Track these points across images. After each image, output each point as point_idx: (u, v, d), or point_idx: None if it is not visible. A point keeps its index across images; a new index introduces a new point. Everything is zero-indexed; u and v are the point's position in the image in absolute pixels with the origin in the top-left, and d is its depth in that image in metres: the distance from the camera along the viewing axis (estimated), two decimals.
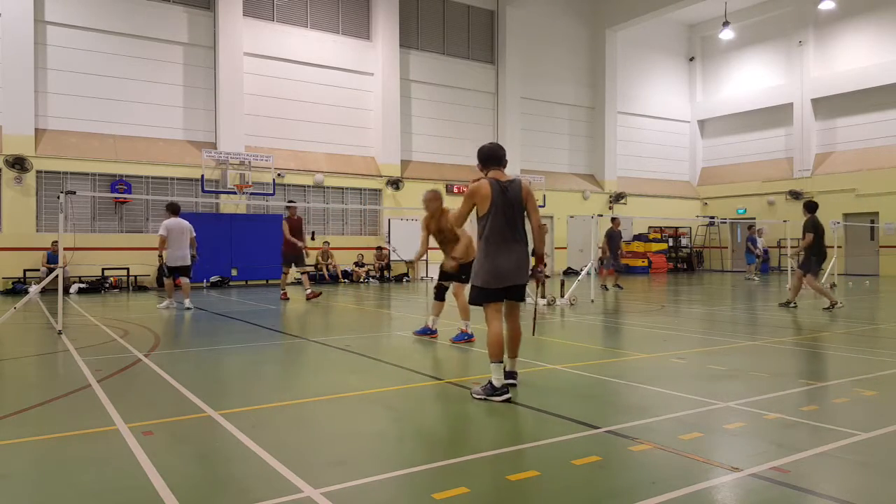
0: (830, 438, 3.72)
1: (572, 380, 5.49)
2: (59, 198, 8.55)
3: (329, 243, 19.91)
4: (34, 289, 8.70)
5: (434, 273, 22.24)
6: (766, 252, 22.84)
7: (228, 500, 2.92)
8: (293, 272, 14.25)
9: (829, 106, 25.32)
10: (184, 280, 11.99)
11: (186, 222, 11.98)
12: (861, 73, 23.95)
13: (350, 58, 21.36)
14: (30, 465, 3.43)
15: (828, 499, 2.86)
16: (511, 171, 5.40)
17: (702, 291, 16.47)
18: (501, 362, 4.75)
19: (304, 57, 20.54)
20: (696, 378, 5.55)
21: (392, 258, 20.57)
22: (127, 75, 18.08)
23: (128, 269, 17.23)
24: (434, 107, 23.25)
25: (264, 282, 18.69)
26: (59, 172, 16.92)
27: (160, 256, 11.82)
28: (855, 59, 24.28)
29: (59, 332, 8.00)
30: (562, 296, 12.16)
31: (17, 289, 15.56)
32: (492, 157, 5.04)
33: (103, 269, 16.85)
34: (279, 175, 19.50)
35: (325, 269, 19.69)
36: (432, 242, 7.74)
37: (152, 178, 18.09)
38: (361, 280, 20.03)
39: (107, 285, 16.65)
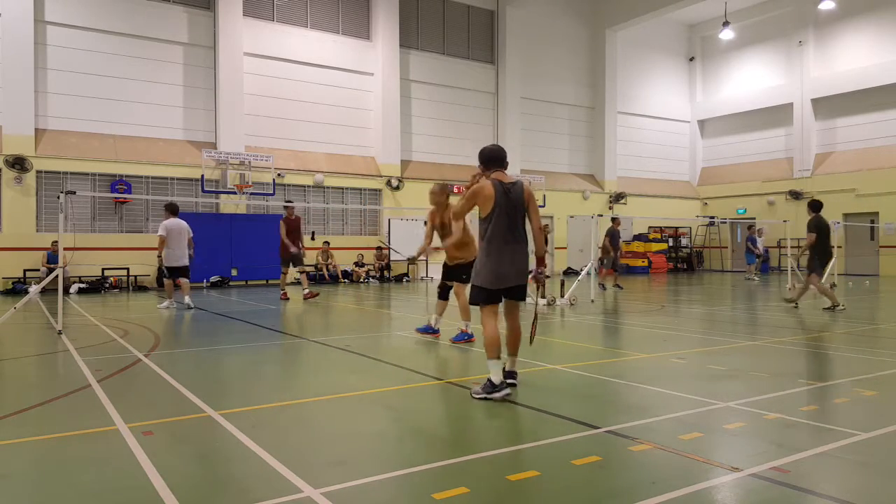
0: (830, 438, 3.72)
1: (572, 380, 5.49)
2: (59, 198, 8.55)
3: (329, 243, 19.91)
4: (34, 289, 8.70)
5: (434, 273, 22.28)
6: (766, 252, 22.85)
7: (228, 500, 2.92)
8: (293, 272, 14.26)
9: (829, 106, 25.32)
10: (183, 280, 12.01)
11: (185, 223, 12.00)
12: (861, 73, 23.95)
13: (350, 58, 21.36)
14: (30, 465, 3.43)
15: (828, 499, 2.86)
16: (511, 171, 5.40)
17: (702, 291, 16.47)
18: (499, 359, 4.79)
19: (304, 57, 20.54)
20: (696, 378, 5.55)
21: (393, 258, 20.58)
22: (127, 75, 18.08)
23: (128, 269, 17.23)
24: (434, 107, 23.25)
25: (264, 282, 18.69)
26: (59, 172, 16.92)
27: (159, 257, 11.82)
28: (855, 59, 24.28)
29: (59, 332, 8.00)
30: (562, 296, 12.16)
31: (17, 289, 15.56)
32: (494, 158, 5.07)
33: (103, 269, 16.85)
34: (279, 175, 19.51)
35: (325, 269, 19.69)
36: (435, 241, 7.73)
37: (152, 178, 18.09)
38: (361, 280, 20.03)
39: (107, 285, 16.65)
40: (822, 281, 11.17)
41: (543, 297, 11.83)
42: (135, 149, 18.00)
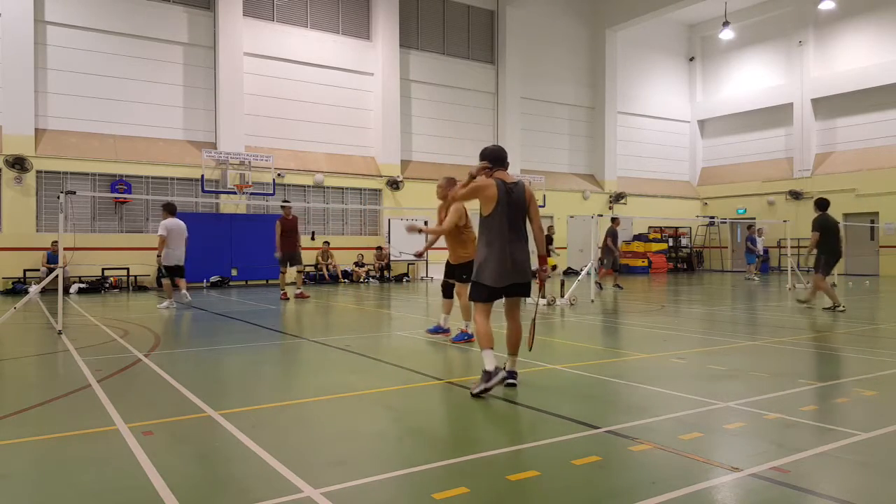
0: (830, 438, 3.72)
1: (572, 380, 5.49)
2: (59, 198, 8.55)
3: (329, 243, 19.92)
4: (34, 289, 8.70)
5: (434, 273, 22.28)
6: (765, 252, 22.85)
7: (228, 500, 2.92)
8: (291, 271, 14.25)
9: (829, 106, 25.33)
10: (180, 279, 12.04)
11: (183, 223, 12.03)
12: (861, 73, 23.95)
13: (350, 58, 21.36)
14: (30, 465, 3.43)
15: (828, 499, 2.86)
16: (511, 171, 5.43)
17: (702, 291, 16.47)
18: (492, 349, 4.91)
19: (304, 57, 20.54)
20: (696, 378, 5.55)
21: (393, 257, 20.59)
22: (127, 75, 18.08)
23: (128, 269, 17.23)
24: (434, 107, 23.25)
25: (264, 282, 18.69)
26: (59, 172, 16.92)
27: (159, 256, 11.82)
28: (855, 59, 24.29)
29: (59, 332, 8.00)
30: (562, 296, 12.16)
31: (17, 289, 15.57)
32: (496, 158, 5.13)
33: (103, 269, 16.85)
34: (279, 175, 19.51)
35: (325, 269, 19.69)
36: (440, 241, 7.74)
37: (152, 178, 18.09)
38: (361, 280, 20.03)
39: (107, 285, 16.65)
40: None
41: (543, 297, 11.84)
42: (135, 149, 18.00)
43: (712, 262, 28.93)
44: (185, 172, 18.39)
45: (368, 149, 21.79)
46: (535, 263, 5.23)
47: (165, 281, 12.05)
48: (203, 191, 18.11)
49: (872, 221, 23.01)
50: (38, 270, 15.92)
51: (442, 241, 7.68)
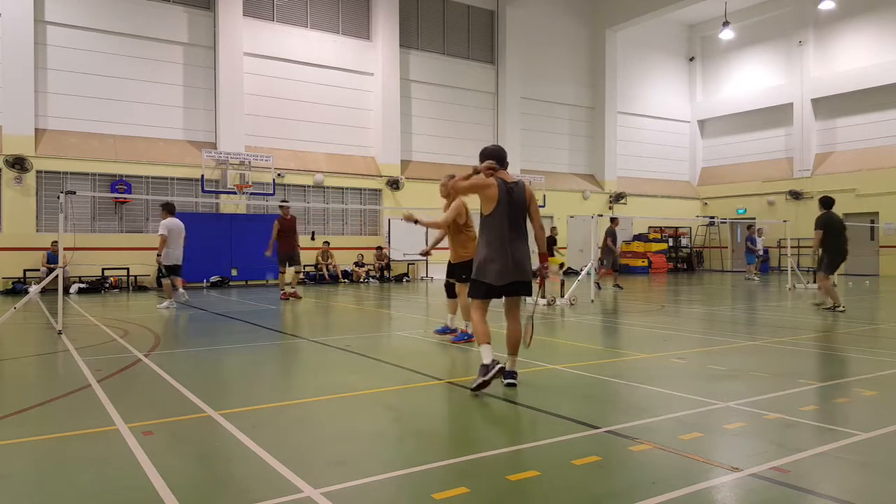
0: (830, 438, 3.72)
1: (572, 380, 5.49)
2: (59, 198, 8.55)
3: (329, 243, 19.92)
4: (34, 289, 8.70)
5: (434, 273, 22.24)
6: (765, 252, 22.85)
7: (228, 500, 2.92)
8: (290, 271, 14.25)
9: (829, 106, 25.33)
10: (177, 278, 12.07)
11: (181, 222, 12.06)
12: (861, 73, 23.95)
13: (350, 58, 21.36)
14: (30, 465, 3.43)
15: (828, 499, 2.86)
16: (511, 171, 5.46)
17: (702, 291, 16.47)
18: (489, 344, 4.97)
19: (304, 57, 20.54)
20: (696, 378, 5.55)
21: (395, 259, 20.61)
22: (127, 75, 18.08)
23: (128, 269, 17.23)
24: (434, 107, 23.25)
25: (264, 282, 18.69)
26: (59, 172, 16.92)
27: (158, 256, 11.81)
28: (855, 59, 24.29)
29: (59, 332, 8.00)
30: (562, 296, 12.16)
31: (17, 289, 15.57)
32: (496, 158, 5.16)
33: (103, 269, 16.85)
34: (279, 175, 19.51)
35: (325, 269, 19.70)
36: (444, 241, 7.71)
37: (152, 178, 18.09)
38: (361, 280, 20.03)
39: (107, 285, 16.65)
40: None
41: (543, 297, 11.84)
42: (135, 149, 18.00)
43: (712, 262, 28.93)
44: (185, 172, 18.39)
45: (368, 149, 21.79)
46: (535, 263, 5.25)
47: (165, 281, 12.05)
48: (203, 191, 18.11)
49: (872, 221, 23.01)
50: (38, 270, 15.92)
51: (446, 241, 7.67)
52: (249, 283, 18.59)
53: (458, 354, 6.81)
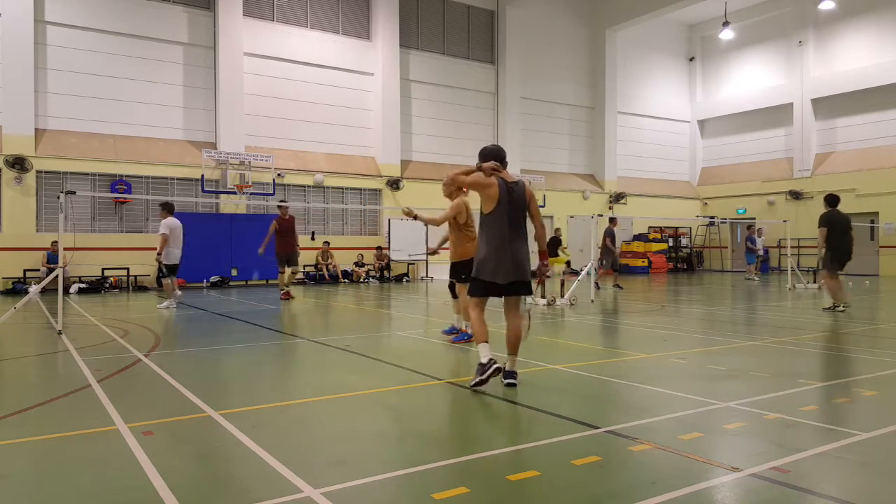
0: (830, 438, 3.72)
1: (572, 380, 5.49)
2: (59, 198, 8.55)
3: (329, 243, 19.92)
4: (34, 289, 8.70)
5: (434, 273, 22.24)
6: (765, 252, 22.85)
7: (228, 500, 2.92)
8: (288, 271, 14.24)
9: (829, 106, 25.33)
10: (173, 278, 12.09)
11: (179, 222, 12.08)
12: (861, 73, 23.95)
13: (350, 58, 21.36)
14: (30, 465, 3.43)
15: (828, 499, 2.86)
16: (511, 170, 5.49)
17: (702, 291, 16.47)
18: (487, 343, 5.01)
19: (304, 57, 20.54)
20: (696, 378, 5.55)
21: (398, 259, 20.62)
22: (127, 75, 18.08)
23: (128, 269, 17.24)
24: (434, 107, 23.26)
25: (264, 282, 18.69)
26: (59, 172, 16.92)
27: (159, 255, 11.81)
28: (855, 59, 24.29)
29: (59, 332, 8.00)
30: (562, 296, 12.16)
31: (17, 289, 15.57)
32: (496, 157, 5.19)
33: (103, 269, 16.85)
34: (279, 175, 19.51)
35: (325, 269, 19.70)
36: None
37: (152, 178, 18.09)
38: (361, 280, 20.03)
39: (107, 285, 16.65)
40: (822, 281, 10.99)
41: (543, 296, 11.84)
42: (135, 149, 18.00)
43: (712, 262, 28.93)
44: (185, 172, 18.39)
45: (368, 149, 21.79)
46: (534, 263, 5.27)
47: (166, 281, 12.05)
48: (203, 191, 18.11)
49: (872, 221, 23.01)
50: (38, 270, 15.92)
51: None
52: (249, 283, 18.59)
53: (458, 354, 6.80)
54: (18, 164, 16.15)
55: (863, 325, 9.22)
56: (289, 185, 20.03)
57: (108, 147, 17.65)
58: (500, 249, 5.01)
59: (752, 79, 27.87)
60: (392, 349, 7.36)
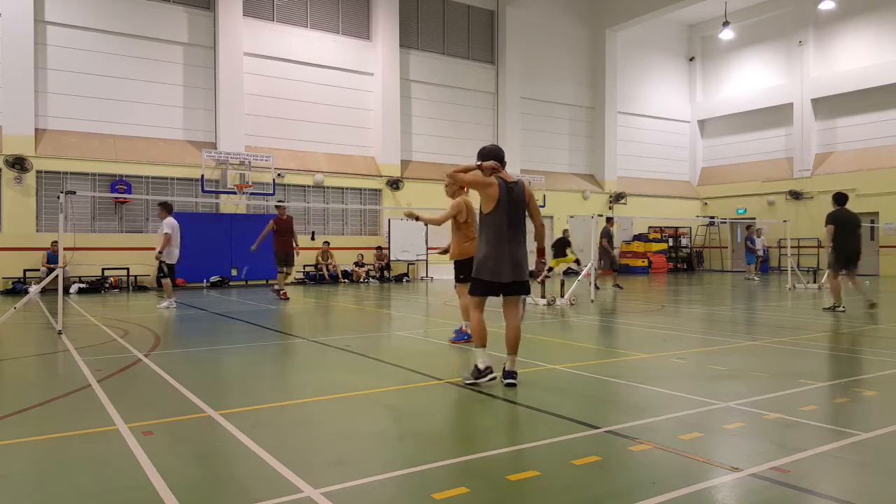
0: (830, 438, 3.72)
1: (572, 380, 5.49)
2: (59, 198, 8.55)
3: (329, 243, 19.92)
4: (34, 289, 8.70)
5: (434, 273, 22.22)
6: (765, 252, 22.85)
7: (228, 500, 2.92)
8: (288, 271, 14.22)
9: (829, 106, 25.33)
10: (173, 277, 12.13)
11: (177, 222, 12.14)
12: (861, 73, 23.95)
13: (350, 58, 21.36)
14: (30, 465, 3.43)
15: (828, 499, 2.86)
16: (511, 170, 5.51)
17: (702, 291, 16.47)
18: (485, 348, 5.12)
19: (304, 57, 20.54)
20: (696, 378, 5.55)
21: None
22: (127, 75, 18.08)
23: (128, 269, 17.23)
24: (434, 107, 23.26)
25: (264, 282, 18.68)
26: (59, 172, 16.92)
27: (160, 253, 11.80)
28: (855, 59, 24.29)
29: (59, 332, 8.00)
30: (562, 296, 12.15)
31: (17, 289, 15.57)
32: (495, 157, 5.22)
33: (103, 269, 16.85)
34: (279, 175, 19.51)
35: (325, 269, 19.70)
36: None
37: (152, 178, 18.09)
38: (361, 280, 20.03)
39: (107, 285, 16.65)
40: (822, 281, 10.96)
41: (543, 296, 11.84)
42: (135, 149, 18.00)
43: (712, 262, 28.93)
44: (185, 172, 18.39)
45: (368, 149, 21.79)
46: (532, 263, 5.31)
47: (165, 280, 12.05)
48: (203, 191, 18.11)
49: (872, 221, 22.99)
50: (38, 270, 15.92)
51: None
52: (249, 283, 18.59)
53: (458, 354, 6.80)
54: (18, 164, 16.15)
55: (863, 325, 9.22)
56: (289, 185, 20.03)
57: (108, 147, 17.65)
58: (500, 249, 5.05)
59: (751, 79, 27.87)
60: (392, 349, 7.36)
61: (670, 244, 27.67)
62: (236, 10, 19.14)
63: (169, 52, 18.70)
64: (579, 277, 13.66)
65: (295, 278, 18.99)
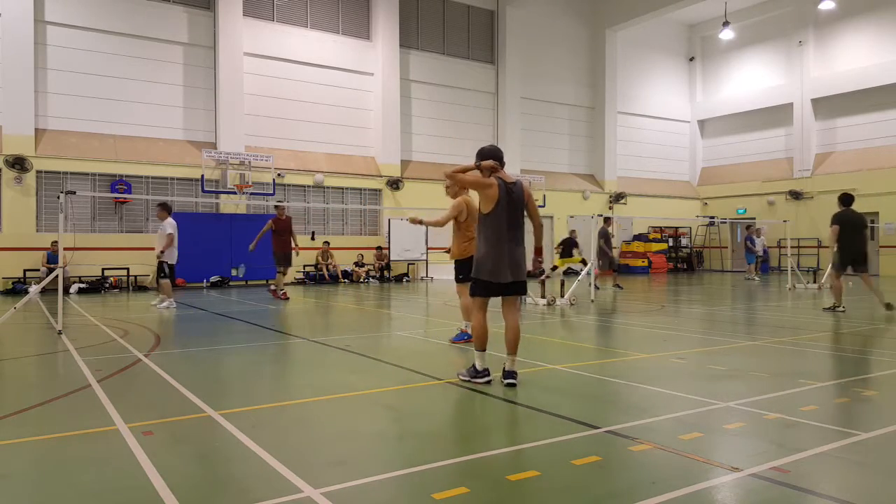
0: (830, 438, 3.72)
1: (572, 380, 5.49)
2: (59, 198, 8.55)
3: (329, 243, 19.92)
4: (34, 289, 8.70)
5: (434, 273, 22.22)
6: (765, 252, 22.85)
7: (228, 500, 2.92)
8: (290, 271, 14.22)
9: (829, 106, 25.33)
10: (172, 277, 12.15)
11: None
12: (861, 73, 23.95)
13: (350, 58, 21.36)
14: (30, 465, 3.43)
15: (828, 499, 2.86)
16: (511, 170, 5.55)
17: (702, 291, 16.47)
18: (484, 351, 5.18)
19: (304, 57, 20.54)
20: (696, 378, 5.55)
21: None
22: (127, 75, 18.08)
23: (128, 269, 17.23)
24: (434, 107, 23.25)
25: (264, 282, 18.68)
26: (59, 172, 16.92)
27: (162, 253, 11.80)
28: (855, 59, 24.29)
29: (59, 332, 8.00)
30: (562, 296, 12.15)
31: (17, 289, 15.57)
32: (494, 157, 5.24)
33: (103, 269, 16.85)
34: (279, 175, 19.51)
35: (325, 269, 19.69)
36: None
37: (152, 178, 18.09)
38: (361, 280, 20.03)
39: (107, 285, 16.65)
40: (822, 281, 10.97)
41: (543, 296, 11.84)
42: (135, 149, 18.00)
43: (712, 262, 28.93)
44: (185, 172, 18.39)
45: (368, 149, 21.79)
46: (531, 264, 5.35)
47: (164, 281, 12.05)
48: (203, 191, 18.11)
49: (872, 221, 22.97)
50: (38, 270, 15.92)
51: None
52: (249, 283, 18.59)
53: (457, 354, 6.80)
54: (18, 164, 16.15)
55: (863, 325, 9.22)
56: (289, 185, 20.03)
57: (108, 147, 17.65)
58: (499, 249, 5.07)
59: (751, 79, 27.87)
60: (392, 349, 7.36)
61: (670, 244, 27.67)
62: (236, 10, 19.14)
63: (169, 52, 18.70)
64: (579, 277, 13.66)
65: (295, 278, 18.99)
